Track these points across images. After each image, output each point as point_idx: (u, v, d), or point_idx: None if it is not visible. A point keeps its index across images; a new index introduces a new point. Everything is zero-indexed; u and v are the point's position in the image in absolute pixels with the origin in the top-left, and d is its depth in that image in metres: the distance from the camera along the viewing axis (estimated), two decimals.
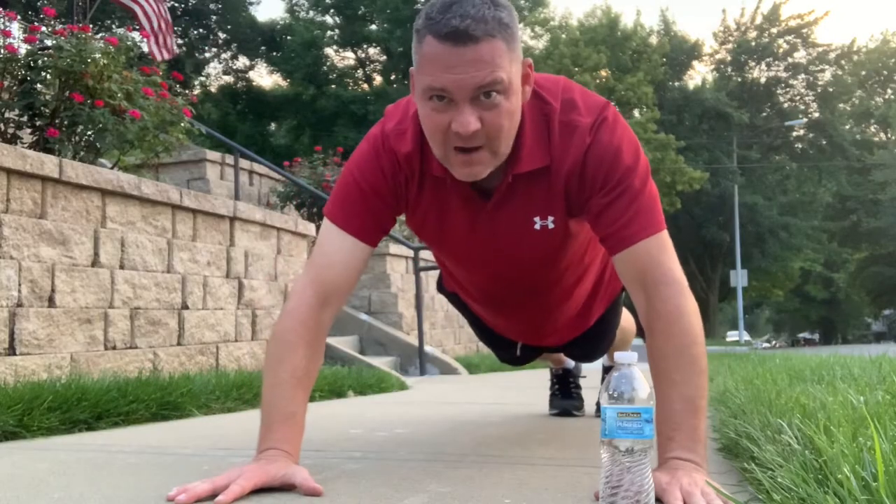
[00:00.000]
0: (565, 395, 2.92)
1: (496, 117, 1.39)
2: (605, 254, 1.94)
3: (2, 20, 3.90)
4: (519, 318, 2.07)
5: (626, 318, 2.37)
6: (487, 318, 2.17)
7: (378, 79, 30.44)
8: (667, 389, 1.38)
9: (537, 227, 1.62)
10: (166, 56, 6.99)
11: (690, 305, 1.46)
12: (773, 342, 55.34)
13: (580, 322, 2.13)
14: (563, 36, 29.53)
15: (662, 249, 1.50)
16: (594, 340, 2.27)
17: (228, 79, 30.91)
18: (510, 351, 2.37)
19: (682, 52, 33.87)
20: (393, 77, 29.64)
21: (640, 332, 1.67)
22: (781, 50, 33.98)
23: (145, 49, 6.80)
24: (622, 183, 1.49)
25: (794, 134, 35.09)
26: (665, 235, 1.52)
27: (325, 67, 30.08)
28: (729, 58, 34.84)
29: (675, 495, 1.21)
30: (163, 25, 6.96)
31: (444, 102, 1.38)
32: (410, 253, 7.38)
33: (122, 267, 3.57)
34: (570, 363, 2.93)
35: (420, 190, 1.62)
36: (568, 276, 1.87)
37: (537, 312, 2.00)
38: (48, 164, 3.20)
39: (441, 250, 1.85)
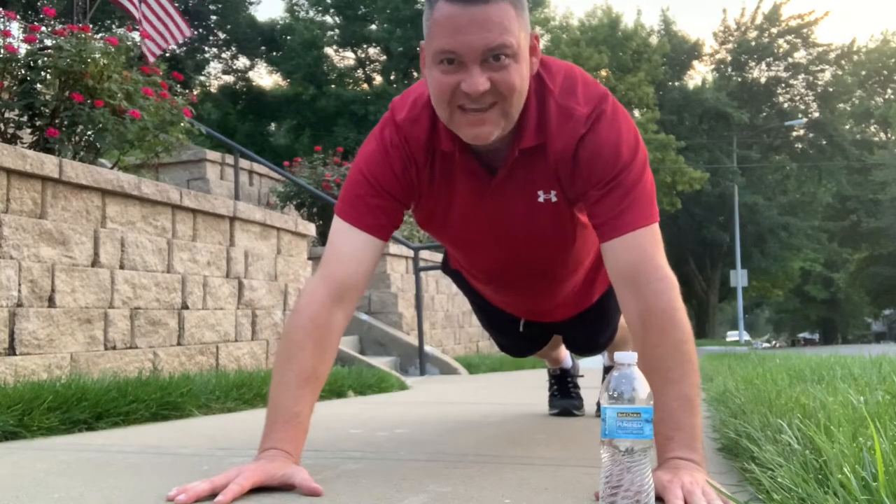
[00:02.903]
0: (564, 394, 2.92)
1: (506, 76, 1.41)
2: None
3: (2, 20, 3.90)
4: (524, 294, 2.07)
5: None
6: (491, 295, 2.17)
7: (378, 79, 30.42)
8: (664, 387, 1.37)
9: (541, 199, 1.63)
10: (179, 39, 6.99)
11: (681, 302, 1.47)
12: (773, 342, 55.35)
13: (583, 297, 2.13)
14: (564, 36, 29.52)
15: (654, 243, 1.50)
16: (597, 323, 2.26)
17: (228, 79, 30.92)
18: (512, 334, 2.36)
19: (682, 52, 33.85)
20: (393, 77, 29.63)
21: None
22: (781, 50, 33.97)
23: (145, 50, 6.80)
24: (619, 176, 1.51)
25: (794, 134, 35.08)
26: (656, 229, 1.53)
27: (325, 67, 30.06)
28: (729, 58, 34.82)
29: (677, 494, 1.22)
30: (167, 20, 6.95)
31: (454, 65, 1.40)
32: (410, 253, 7.38)
33: (122, 267, 3.57)
34: (568, 363, 2.93)
35: (431, 173, 1.63)
36: (572, 252, 1.87)
37: (542, 288, 2.00)
38: (48, 164, 3.20)
39: (448, 233, 1.84)
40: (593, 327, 2.29)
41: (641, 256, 1.48)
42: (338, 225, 1.62)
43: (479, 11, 1.36)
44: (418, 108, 1.60)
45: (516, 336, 2.36)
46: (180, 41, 7.00)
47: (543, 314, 2.22)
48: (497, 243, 1.77)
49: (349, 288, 1.57)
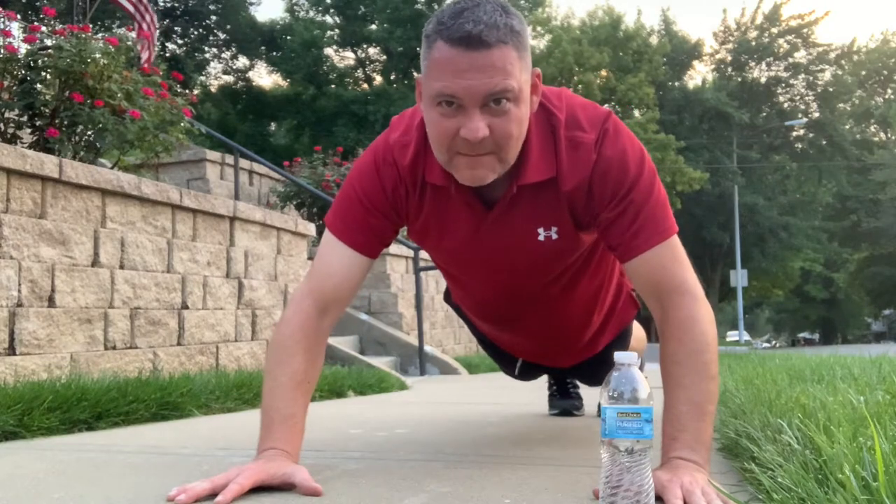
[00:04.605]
0: (564, 395, 2.92)
1: (505, 124, 1.38)
2: (616, 283, 1.95)
3: (2, 20, 3.90)
4: (521, 334, 2.05)
5: (637, 336, 2.33)
6: (491, 334, 2.17)
7: (378, 79, 30.40)
8: (675, 392, 1.39)
9: (541, 237, 1.62)
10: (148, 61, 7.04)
11: (704, 313, 1.46)
12: (773, 342, 55.36)
13: (587, 350, 2.13)
14: (565, 36, 29.49)
15: (673, 258, 1.50)
16: (598, 366, 2.24)
17: (228, 79, 30.91)
18: (513, 367, 2.37)
19: (682, 52, 33.83)
20: (393, 77, 29.61)
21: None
22: (782, 50, 33.94)
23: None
24: (629, 194, 1.49)
25: (794, 134, 35.06)
26: (674, 241, 1.52)
27: (325, 67, 30.03)
28: (729, 58, 34.80)
29: (676, 493, 1.22)
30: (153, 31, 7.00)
31: (453, 108, 1.37)
32: (410, 253, 7.38)
33: (122, 267, 3.57)
34: None
35: (421, 200, 1.62)
36: (569, 290, 1.84)
37: (539, 328, 1.97)
38: (48, 164, 3.20)
39: (442, 258, 1.83)
40: (593, 370, 2.27)
41: (661, 274, 1.49)
42: (328, 237, 1.63)
43: (482, 56, 1.32)
44: (411, 132, 1.59)
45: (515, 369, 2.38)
46: (142, 60, 7.02)
47: (545, 359, 2.22)
48: (492, 272, 1.75)
49: (335, 301, 1.60)
